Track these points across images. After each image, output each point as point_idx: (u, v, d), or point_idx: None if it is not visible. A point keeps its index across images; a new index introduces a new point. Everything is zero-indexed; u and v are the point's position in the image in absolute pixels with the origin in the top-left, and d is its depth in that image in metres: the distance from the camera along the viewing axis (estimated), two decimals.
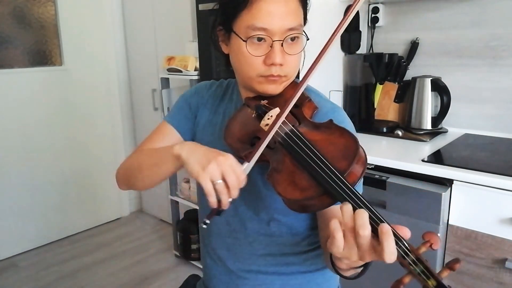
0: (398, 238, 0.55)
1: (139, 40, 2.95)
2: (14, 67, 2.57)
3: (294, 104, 0.77)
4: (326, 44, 0.70)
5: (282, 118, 0.70)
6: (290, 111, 0.76)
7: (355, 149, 0.64)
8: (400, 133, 1.71)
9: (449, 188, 1.29)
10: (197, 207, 2.32)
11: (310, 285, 0.90)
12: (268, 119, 0.75)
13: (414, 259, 0.54)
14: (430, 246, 0.56)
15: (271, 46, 0.75)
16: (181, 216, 2.56)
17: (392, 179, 1.38)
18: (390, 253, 0.52)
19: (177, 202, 2.51)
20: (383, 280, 1.48)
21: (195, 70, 2.17)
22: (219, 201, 0.66)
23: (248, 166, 0.69)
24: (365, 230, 0.53)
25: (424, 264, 0.54)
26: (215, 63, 2.04)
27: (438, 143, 1.60)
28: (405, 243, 0.55)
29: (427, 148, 1.57)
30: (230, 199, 0.66)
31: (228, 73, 0.92)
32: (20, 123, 2.60)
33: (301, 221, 0.87)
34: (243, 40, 0.76)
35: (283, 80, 0.80)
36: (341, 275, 0.67)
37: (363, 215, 0.54)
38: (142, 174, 0.84)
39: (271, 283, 0.89)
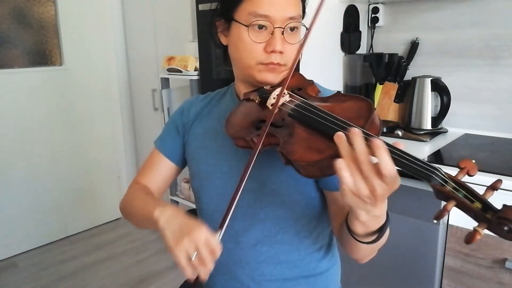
0: (433, 168, 0.54)
1: (139, 40, 2.95)
2: (14, 67, 2.57)
3: (297, 87, 0.79)
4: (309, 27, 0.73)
5: (286, 84, 0.72)
6: (295, 93, 0.77)
7: (370, 108, 0.64)
8: (400, 133, 1.71)
9: None
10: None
11: None
12: (274, 98, 0.75)
13: (454, 185, 0.53)
14: (467, 172, 0.56)
15: (271, 34, 0.77)
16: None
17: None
18: (386, 163, 0.52)
19: (177, 202, 2.51)
20: (380, 282, 1.49)
21: (195, 70, 2.17)
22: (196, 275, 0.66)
23: (221, 233, 0.69)
24: (364, 155, 0.53)
25: (466, 188, 0.53)
26: (215, 63, 2.04)
27: (438, 143, 1.60)
28: (442, 171, 0.55)
29: (427, 148, 1.57)
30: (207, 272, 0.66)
31: (228, 72, 0.92)
32: (20, 123, 2.60)
33: (305, 217, 0.85)
34: (245, 26, 0.77)
35: (282, 70, 0.80)
36: (359, 241, 0.67)
37: (358, 137, 0.53)
38: (134, 222, 0.93)
39: None
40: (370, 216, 0.60)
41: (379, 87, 1.90)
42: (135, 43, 2.99)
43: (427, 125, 1.73)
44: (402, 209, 1.35)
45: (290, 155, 0.64)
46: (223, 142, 0.85)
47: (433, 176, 0.54)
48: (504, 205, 0.50)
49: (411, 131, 1.74)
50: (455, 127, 1.78)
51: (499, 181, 0.54)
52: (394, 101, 1.89)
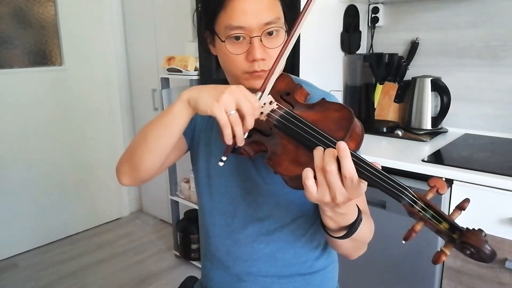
0: (403, 188, 0.57)
1: (139, 40, 2.95)
2: (14, 67, 2.57)
3: (286, 92, 0.79)
4: (294, 27, 0.73)
5: (273, 77, 0.73)
6: (283, 98, 0.78)
7: (350, 118, 0.66)
8: (400, 133, 1.71)
9: (449, 188, 1.29)
10: (197, 207, 2.32)
11: (309, 287, 0.90)
12: (262, 107, 0.76)
13: (423, 205, 0.55)
14: (437, 191, 0.57)
15: (250, 43, 0.76)
16: (181, 216, 2.56)
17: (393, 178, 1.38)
18: (347, 166, 0.57)
19: (177, 202, 2.51)
20: (380, 282, 1.49)
21: (195, 70, 2.17)
22: (234, 136, 0.66)
23: (261, 95, 0.71)
24: (332, 166, 0.58)
25: (433, 208, 0.55)
26: (215, 63, 2.04)
27: (438, 143, 1.60)
28: (412, 192, 0.57)
29: (427, 148, 1.57)
30: (245, 134, 0.68)
31: None
32: (20, 123, 2.60)
33: (302, 216, 0.86)
34: (222, 41, 0.77)
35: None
36: (333, 237, 0.73)
37: (330, 153, 0.59)
38: (149, 146, 0.77)
39: (269, 287, 0.88)
40: (335, 213, 0.66)
41: (379, 87, 1.90)
42: (135, 43, 2.99)
43: (427, 125, 1.73)
44: (402, 209, 1.35)
45: (276, 167, 0.66)
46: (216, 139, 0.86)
47: (403, 196, 0.56)
48: (467, 229, 0.52)
49: (411, 131, 1.74)
50: (455, 127, 1.78)
51: (467, 200, 0.56)
52: (394, 101, 1.89)
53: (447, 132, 1.75)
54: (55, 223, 2.83)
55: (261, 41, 0.76)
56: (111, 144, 3.09)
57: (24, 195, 2.66)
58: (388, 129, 1.77)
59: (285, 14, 0.81)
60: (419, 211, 0.55)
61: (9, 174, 2.59)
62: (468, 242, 0.51)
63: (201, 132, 0.94)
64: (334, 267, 0.96)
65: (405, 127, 1.78)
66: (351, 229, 0.69)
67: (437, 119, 1.71)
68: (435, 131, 1.72)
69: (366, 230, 0.75)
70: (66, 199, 2.87)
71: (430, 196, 0.57)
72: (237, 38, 0.76)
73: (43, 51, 2.69)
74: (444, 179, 0.58)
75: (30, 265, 2.56)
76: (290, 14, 0.83)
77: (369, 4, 1.96)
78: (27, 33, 2.59)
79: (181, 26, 2.52)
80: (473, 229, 0.52)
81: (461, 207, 0.55)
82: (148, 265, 2.54)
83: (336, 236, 0.72)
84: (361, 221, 0.70)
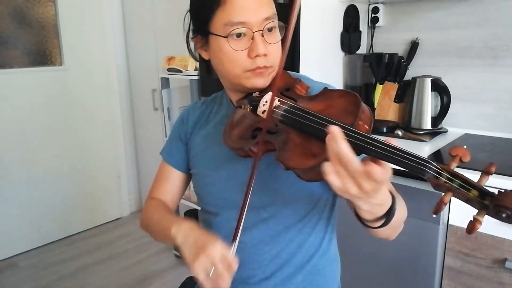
0: (425, 161, 0.54)
1: (139, 40, 2.95)
2: (14, 67, 2.57)
3: (285, 88, 0.78)
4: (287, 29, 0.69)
5: (274, 93, 0.70)
6: (284, 94, 0.77)
7: (357, 102, 0.64)
8: (400, 133, 1.71)
9: None
10: (197, 207, 2.32)
11: (310, 287, 0.89)
12: (264, 105, 0.75)
13: (449, 176, 0.53)
14: (460, 159, 0.55)
15: (252, 39, 0.76)
16: (181, 216, 2.56)
17: (392, 179, 1.38)
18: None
19: None
20: (381, 282, 1.49)
21: (195, 70, 2.17)
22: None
23: (234, 247, 0.71)
24: (348, 158, 0.52)
25: (460, 177, 0.52)
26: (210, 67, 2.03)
27: (438, 143, 1.60)
28: (434, 164, 0.54)
29: (427, 148, 1.57)
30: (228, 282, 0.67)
31: None
32: (20, 123, 2.60)
33: (306, 215, 0.86)
34: (224, 37, 0.77)
35: (270, 72, 0.80)
36: (371, 227, 0.68)
37: (342, 146, 0.52)
38: (157, 238, 0.96)
39: None
40: (370, 206, 0.60)
41: (379, 87, 1.90)
42: (135, 43, 2.99)
43: (427, 125, 1.73)
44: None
45: (287, 163, 0.64)
46: (221, 148, 0.85)
47: (426, 169, 0.54)
48: (499, 192, 0.50)
49: (411, 131, 1.73)
50: (455, 127, 1.78)
51: (493, 164, 0.53)
52: (394, 101, 1.89)
53: (447, 132, 1.74)
54: (55, 223, 2.83)
55: (262, 36, 0.76)
56: (111, 144, 3.09)
57: (24, 195, 2.66)
58: (388, 129, 1.77)
59: (278, 12, 0.81)
60: (446, 182, 0.52)
61: (9, 174, 2.59)
62: (502, 204, 0.48)
63: (197, 146, 0.95)
64: (336, 267, 0.96)
65: (405, 127, 1.78)
66: (388, 216, 0.65)
67: (437, 119, 1.71)
68: (435, 131, 1.72)
69: (401, 210, 0.72)
70: (66, 199, 2.87)
71: (453, 165, 0.54)
72: (238, 35, 0.76)
73: (43, 51, 2.69)
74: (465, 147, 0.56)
75: (30, 265, 2.56)
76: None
77: (369, 4, 1.96)
78: (27, 33, 2.59)
79: (181, 26, 2.51)
80: (505, 190, 0.49)
81: (487, 171, 0.52)
82: (148, 265, 2.54)
83: (375, 226, 0.68)
84: (396, 204, 0.66)
